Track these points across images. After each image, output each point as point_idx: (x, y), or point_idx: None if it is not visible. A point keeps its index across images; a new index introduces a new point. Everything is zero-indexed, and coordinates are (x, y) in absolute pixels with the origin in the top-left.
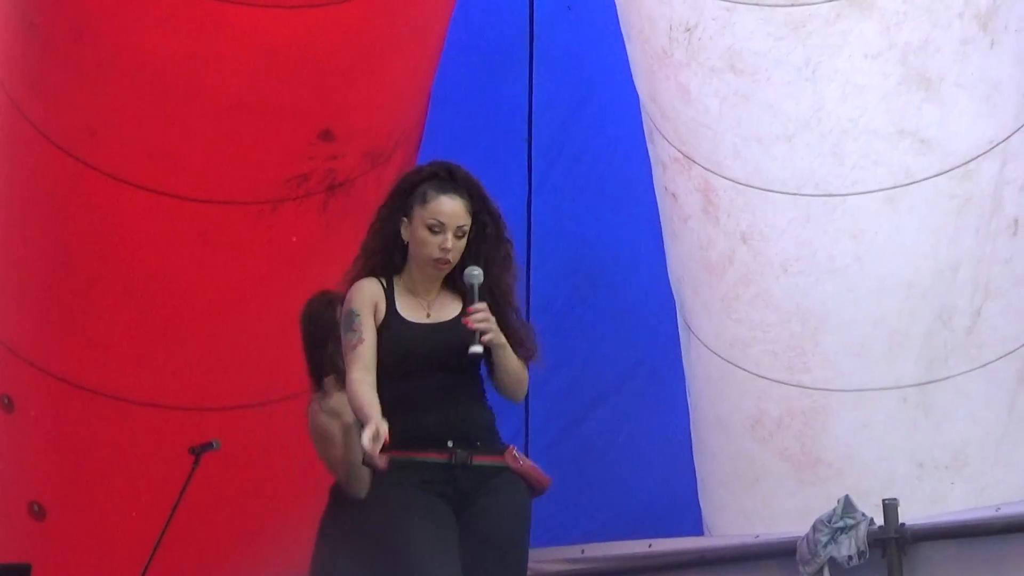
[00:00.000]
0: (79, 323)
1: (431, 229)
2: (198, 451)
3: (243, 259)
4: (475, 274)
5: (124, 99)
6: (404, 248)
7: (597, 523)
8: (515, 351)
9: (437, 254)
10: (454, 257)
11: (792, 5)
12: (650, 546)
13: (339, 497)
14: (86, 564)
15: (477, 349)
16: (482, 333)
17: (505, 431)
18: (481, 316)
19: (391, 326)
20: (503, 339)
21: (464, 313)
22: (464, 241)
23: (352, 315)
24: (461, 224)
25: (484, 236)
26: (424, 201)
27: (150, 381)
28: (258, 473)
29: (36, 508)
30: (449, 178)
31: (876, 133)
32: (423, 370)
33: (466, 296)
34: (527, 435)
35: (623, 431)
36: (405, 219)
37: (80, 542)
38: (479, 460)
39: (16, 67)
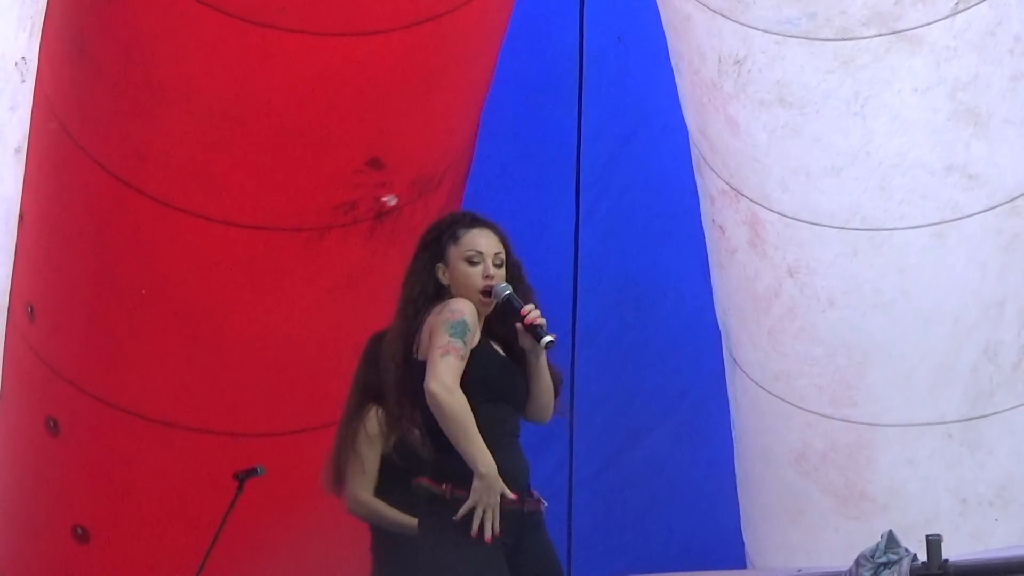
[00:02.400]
0: (124, 347)
1: (470, 261)
2: (242, 477)
3: (289, 285)
4: (503, 286)
5: (172, 125)
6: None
7: (640, 555)
8: None
9: (481, 284)
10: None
11: (842, 39)
12: None
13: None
14: None
15: (551, 337)
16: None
17: (549, 462)
18: (538, 312)
19: (489, 350)
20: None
21: (511, 352)
22: (503, 271)
23: (465, 326)
24: (497, 252)
25: (514, 278)
26: (456, 239)
27: (194, 406)
28: (300, 500)
29: (79, 531)
30: (472, 218)
31: (924, 168)
32: (506, 400)
33: (502, 335)
34: (571, 465)
35: (667, 463)
36: (441, 264)
37: (122, 566)
38: (530, 508)
39: (66, 92)
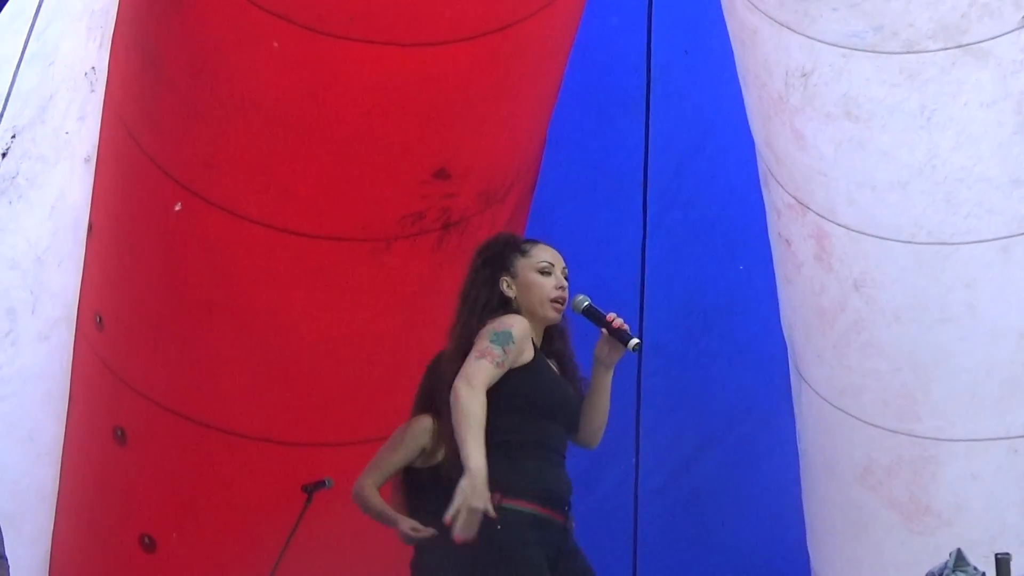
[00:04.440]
0: (190, 356)
1: (542, 271)
2: (311, 489)
3: (355, 296)
4: (581, 296)
5: (240, 134)
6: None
7: (705, 569)
8: None
9: (555, 293)
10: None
11: (908, 52)
12: None
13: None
14: None
15: (637, 340)
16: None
17: (614, 475)
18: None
19: (544, 368)
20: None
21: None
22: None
23: (509, 337)
24: (564, 267)
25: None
26: (524, 252)
27: (260, 416)
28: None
29: (147, 540)
30: (530, 238)
31: (990, 182)
32: (558, 418)
33: (559, 352)
34: (637, 478)
35: (733, 476)
36: (506, 277)
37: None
38: (569, 526)
39: (134, 100)
